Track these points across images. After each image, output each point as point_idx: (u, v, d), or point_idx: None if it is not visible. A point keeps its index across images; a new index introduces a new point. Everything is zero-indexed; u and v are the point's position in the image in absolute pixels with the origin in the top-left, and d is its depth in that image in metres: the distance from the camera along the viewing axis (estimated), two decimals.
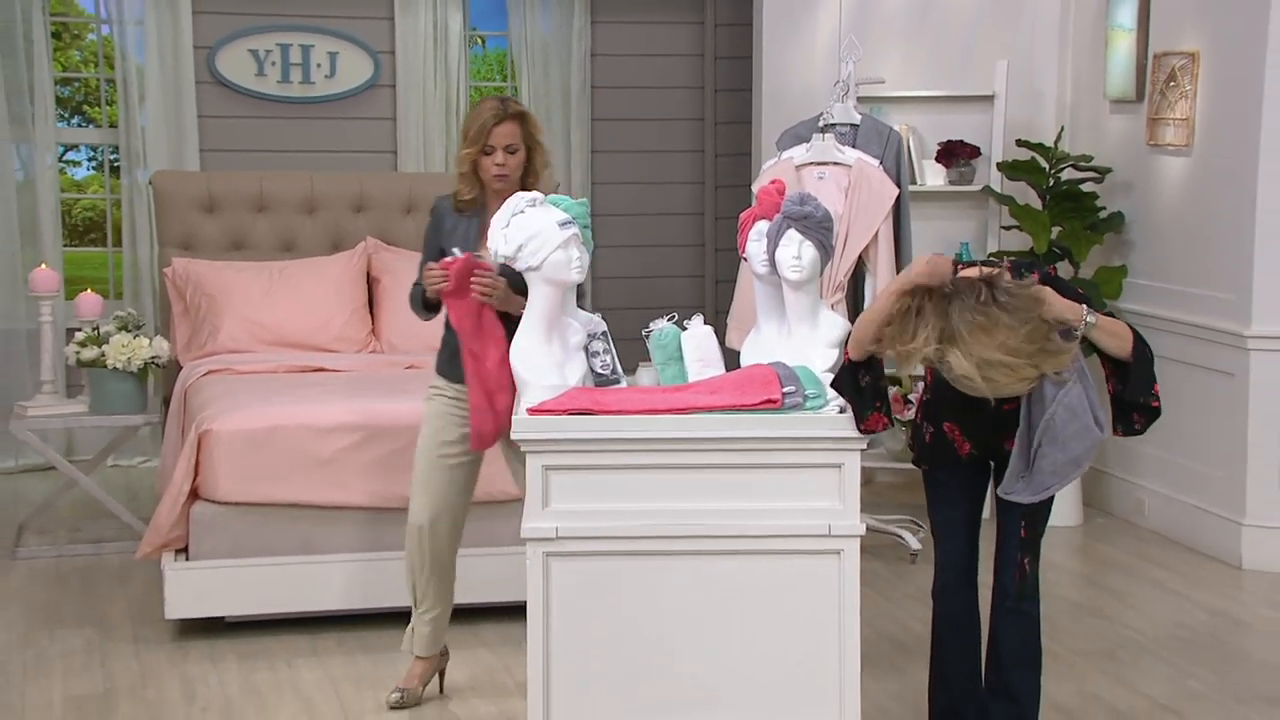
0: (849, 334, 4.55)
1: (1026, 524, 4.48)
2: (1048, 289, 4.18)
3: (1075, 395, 4.28)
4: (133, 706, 5.21)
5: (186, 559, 5.83)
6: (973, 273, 4.18)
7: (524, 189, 4.79)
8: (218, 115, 8.65)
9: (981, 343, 4.03)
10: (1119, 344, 4.29)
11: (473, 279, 4.74)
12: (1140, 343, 4.32)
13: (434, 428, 5.05)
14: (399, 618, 5.43)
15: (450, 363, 4.99)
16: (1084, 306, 4.22)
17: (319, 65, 8.75)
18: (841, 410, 4.39)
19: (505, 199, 4.62)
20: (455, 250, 4.80)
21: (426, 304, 5.00)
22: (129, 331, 6.88)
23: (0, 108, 8.31)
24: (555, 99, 8.95)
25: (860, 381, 4.34)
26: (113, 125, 8.67)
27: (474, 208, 5.01)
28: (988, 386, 4.08)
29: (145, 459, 8.47)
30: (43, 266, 7.44)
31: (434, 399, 5.08)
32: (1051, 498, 4.46)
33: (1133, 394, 4.35)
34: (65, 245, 8.67)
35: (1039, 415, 4.29)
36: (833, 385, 4.44)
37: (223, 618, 5.88)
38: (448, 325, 4.99)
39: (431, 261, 4.88)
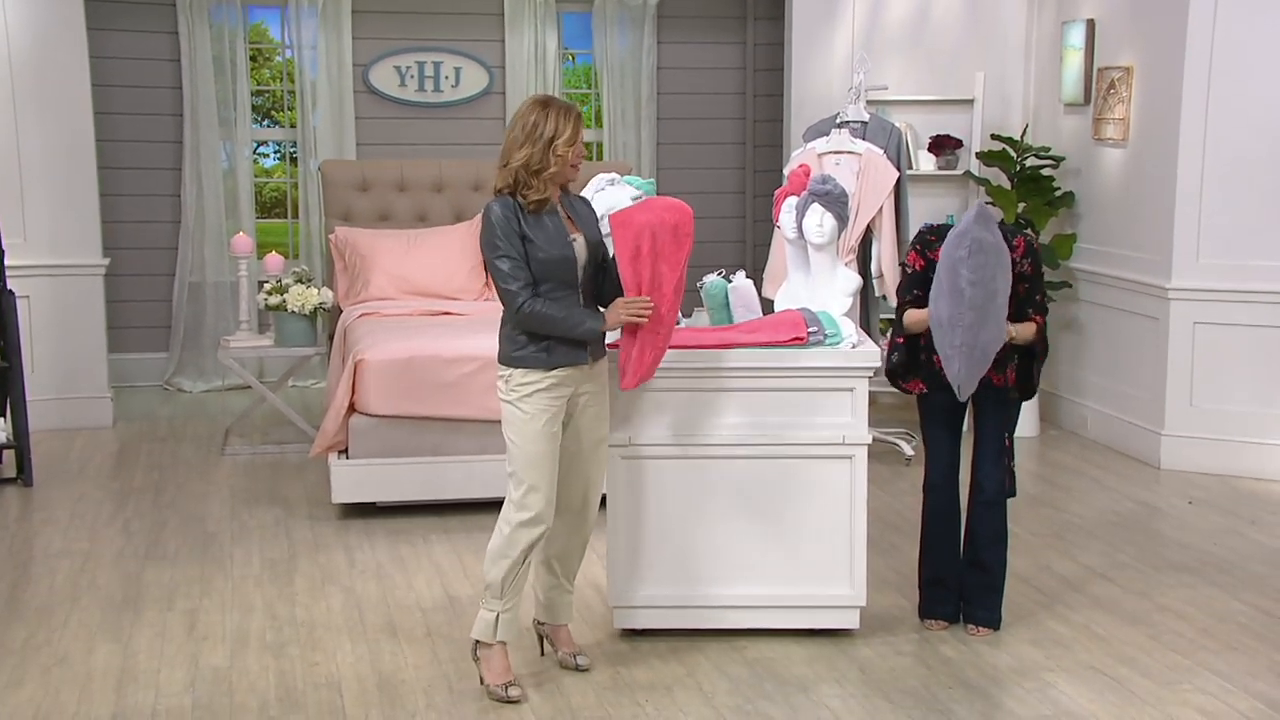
0: (859, 285, 4.57)
1: (1009, 435, 4.48)
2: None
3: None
4: (309, 567, 5.22)
5: (347, 457, 5.82)
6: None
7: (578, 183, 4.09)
8: (370, 117, 8.59)
9: None
10: (1027, 338, 4.40)
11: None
12: (1043, 335, 4.44)
13: (544, 421, 3.97)
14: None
15: (550, 350, 3.97)
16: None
17: (446, 77, 8.66)
18: (854, 346, 4.34)
19: (558, 190, 4.01)
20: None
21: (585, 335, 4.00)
22: (303, 283, 6.86)
23: (213, 114, 8.30)
24: (629, 103, 8.83)
25: (908, 355, 4.49)
26: (292, 125, 8.63)
27: (546, 206, 3.97)
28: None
29: (315, 381, 8.47)
30: (240, 234, 7.44)
31: (533, 395, 3.96)
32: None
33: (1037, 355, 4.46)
34: (257, 217, 8.67)
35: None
36: (889, 369, 4.53)
37: (374, 503, 5.87)
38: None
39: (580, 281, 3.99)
